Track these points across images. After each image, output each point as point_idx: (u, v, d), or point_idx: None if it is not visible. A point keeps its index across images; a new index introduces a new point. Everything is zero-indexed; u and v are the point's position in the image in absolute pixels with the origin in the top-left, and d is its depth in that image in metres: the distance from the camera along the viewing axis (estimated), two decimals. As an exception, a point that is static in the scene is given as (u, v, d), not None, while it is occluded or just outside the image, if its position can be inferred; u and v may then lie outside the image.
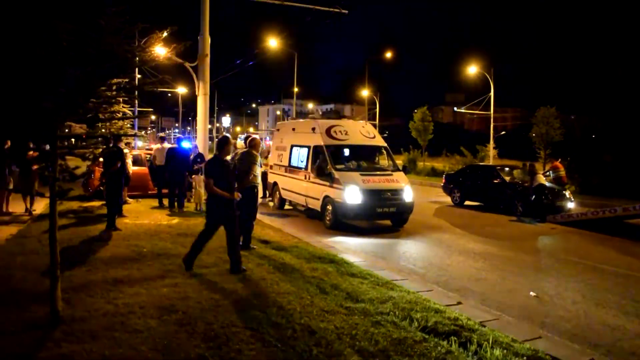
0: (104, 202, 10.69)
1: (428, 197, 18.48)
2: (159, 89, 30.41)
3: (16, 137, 5.30)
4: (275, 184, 14.13)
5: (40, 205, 11.28)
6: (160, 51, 6.90)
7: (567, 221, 12.56)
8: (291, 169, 13.13)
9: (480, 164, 24.07)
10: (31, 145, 5.18)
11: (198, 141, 14.05)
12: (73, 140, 5.10)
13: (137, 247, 7.56)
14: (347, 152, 12.29)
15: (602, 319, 5.79)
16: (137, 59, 4.97)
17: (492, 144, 30.80)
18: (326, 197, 11.19)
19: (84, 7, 4.42)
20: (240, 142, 12.62)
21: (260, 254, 7.51)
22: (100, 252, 7.20)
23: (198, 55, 13.42)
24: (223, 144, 6.63)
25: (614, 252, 9.72)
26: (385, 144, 12.68)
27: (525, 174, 14.32)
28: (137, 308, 4.80)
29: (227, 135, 8.07)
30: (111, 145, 9.50)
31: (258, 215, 8.69)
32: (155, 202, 12.62)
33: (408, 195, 11.13)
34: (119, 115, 11.19)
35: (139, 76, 21.29)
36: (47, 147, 4.59)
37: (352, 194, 10.55)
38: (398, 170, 11.96)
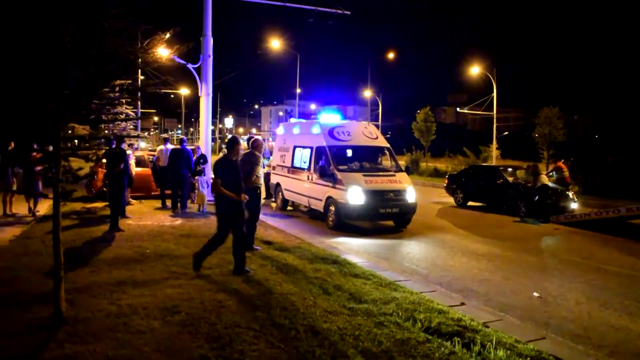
0: (107, 203, 10.75)
1: (431, 197, 18.46)
2: (161, 91, 30.38)
3: (20, 138, 5.33)
4: (278, 184, 14.11)
5: (44, 207, 11.32)
6: (163, 52, 6.91)
7: (570, 222, 12.53)
8: (294, 169, 13.13)
9: (483, 164, 23.96)
10: (35, 147, 5.21)
11: (201, 142, 14.09)
12: (76, 141, 5.12)
13: (140, 248, 7.58)
14: (349, 152, 12.26)
15: (606, 319, 5.77)
16: (140, 60, 4.99)
17: (494, 144, 30.71)
18: (329, 197, 11.19)
19: (87, 9, 4.43)
20: (243, 144, 12.63)
21: (263, 255, 7.51)
22: (103, 253, 7.22)
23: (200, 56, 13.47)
24: (233, 144, 6.57)
25: (617, 253, 9.69)
26: (388, 145, 12.67)
27: (529, 174, 14.28)
28: (140, 309, 4.81)
29: (236, 136, 8.05)
30: (114, 146, 9.56)
31: (261, 216, 8.69)
32: (158, 203, 12.65)
33: (411, 195, 11.12)
34: (122, 116, 11.22)
35: (141, 77, 21.33)
36: (51, 148, 4.61)
37: (354, 195, 10.54)
38: (401, 170, 11.93)
